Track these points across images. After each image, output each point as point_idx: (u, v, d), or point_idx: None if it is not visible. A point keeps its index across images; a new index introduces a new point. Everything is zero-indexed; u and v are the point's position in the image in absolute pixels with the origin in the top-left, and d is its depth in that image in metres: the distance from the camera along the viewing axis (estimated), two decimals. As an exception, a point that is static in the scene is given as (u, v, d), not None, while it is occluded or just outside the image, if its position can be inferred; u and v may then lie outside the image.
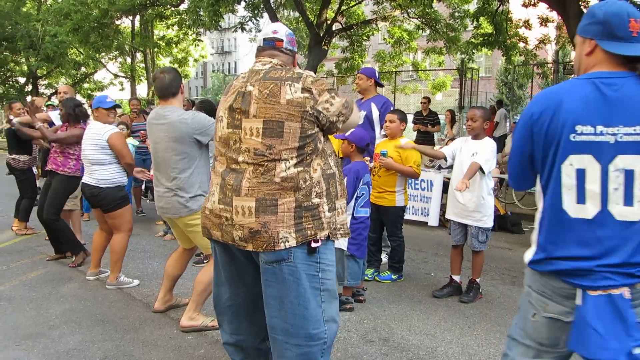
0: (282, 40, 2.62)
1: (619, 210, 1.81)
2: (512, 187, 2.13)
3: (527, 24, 15.18)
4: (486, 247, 4.68)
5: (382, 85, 6.08)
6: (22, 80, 28.55)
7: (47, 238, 6.61)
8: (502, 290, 5.03)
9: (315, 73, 2.74)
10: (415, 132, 11.56)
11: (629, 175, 1.80)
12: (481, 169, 4.45)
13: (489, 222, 4.63)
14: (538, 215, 1.97)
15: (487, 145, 4.58)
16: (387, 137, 5.16)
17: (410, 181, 7.55)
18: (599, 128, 1.80)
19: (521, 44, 16.35)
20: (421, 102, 11.88)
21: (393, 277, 5.19)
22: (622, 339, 1.77)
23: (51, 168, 5.60)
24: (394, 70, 20.19)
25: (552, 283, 1.90)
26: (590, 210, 1.83)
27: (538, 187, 1.97)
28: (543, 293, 1.93)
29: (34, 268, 5.48)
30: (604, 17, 1.87)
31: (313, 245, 2.39)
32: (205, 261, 5.56)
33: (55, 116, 6.51)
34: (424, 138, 11.27)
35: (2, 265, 5.56)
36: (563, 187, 1.85)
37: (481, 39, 15.67)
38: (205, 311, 4.08)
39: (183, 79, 4.14)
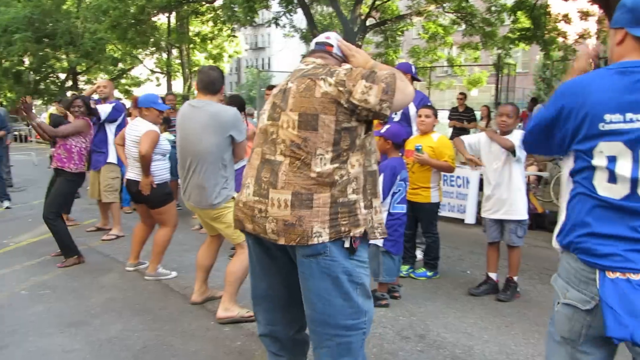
0: (332, 46, 2.68)
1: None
2: (525, 150, 2.14)
3: (566, 18, 14.86)
4: (522, 242, 4.61)
5: (419, 80, 6.03)
6: (62, 76, 29.25)
7: (88, 229, 6.80)
8: (540, 289, 4.95)
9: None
10: (451, 129, 11.45)
11: None
12: (512, 152, 4.40)
13: (524, 214, 4.56)
14: (566, 198, 2.00)
15: (519, 134, 4.51)
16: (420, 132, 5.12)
17: (445, 177, 7.48)
18: (629, 115, 1.82)
19: (560, 39, 15.99)
20: (457, 98, 11.77)
21: (428, 274, 5.16)
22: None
23: (57, 166, 5.58)
24: (428, 65, 20.02)
25: (573, 265, 1.92)
26: (619, 191, 1.86)
27: (566, 172, 2.01)
28: (566, 278, 1.95)
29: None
30: (633, 4, 1.90)
31: (354, 244, 2.39)
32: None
33: (104, 110, 6.62)
34: (460, 134, 11.14)
35: (45, 256, 5.73)
36: (596, 170, 1.88)
37: (519, 33, 15.41)
38: (241, 303, 4.14)
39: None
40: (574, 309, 1.91)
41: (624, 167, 1.83)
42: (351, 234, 2.38)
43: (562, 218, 2.01)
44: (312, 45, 2.76)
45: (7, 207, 8.46)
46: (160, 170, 4.92)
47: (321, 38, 2.74)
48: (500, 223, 4.65)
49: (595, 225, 1.86)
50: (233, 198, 3.90)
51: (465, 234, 7.15)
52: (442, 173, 5.62)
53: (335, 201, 2.37)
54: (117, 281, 4.94)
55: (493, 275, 4.78)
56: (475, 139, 4.80)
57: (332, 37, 2.73)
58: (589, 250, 1.86)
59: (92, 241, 6.28)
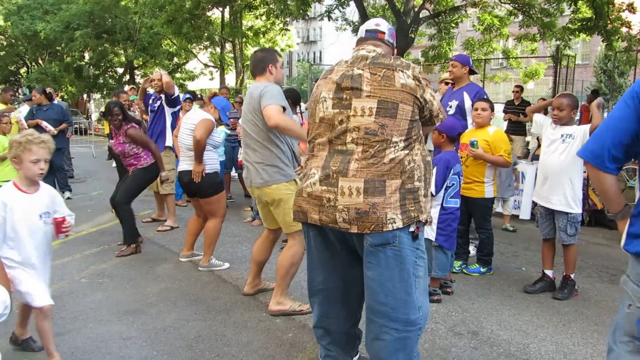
0: (384, 33, 2.71)
1: None
2: (587, 160, 1.94)
3: (631, 7, 14.18)
4: (576, 240, 4.45)
5: (475, 73, 5.90)
6: (120, 70, 30.17)
7: (144, 220, 6.99)
8: (599, 288, 4.77)
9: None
10: (506, 122, 11.16)
11: None
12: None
13: (576, 209, 4.39)
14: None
15: (581, 128, 4.37)
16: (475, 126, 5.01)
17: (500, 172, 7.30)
18: None
19: (624, 29, 15.29)
20: (513, 91, 11.45)
21: (482, 270, 5.05)
22: None
23: (130, 170, 5.78)
24: (483, 58, 19.53)
25: None
26: None
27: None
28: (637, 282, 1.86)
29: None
30: None
31: (415, 230, 2.41)
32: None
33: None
34: (515, 128, 10.88)
35: (104, 245, 5.93)
36: None
37: (579, 24, 14.81)
38: (292, 296, 4.16)
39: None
40: None
41: None
42: (419, 218, 2.41)
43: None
44: (362, 32, 2.75)
45: (68, 198, 8.79)
46: (211, 159, 5.00)
47: (371, 25, 2.74)
48: (552, 220, 4.50)
49: None
50: (295, 181, 3.89)
51: (520, 229, 6.97)
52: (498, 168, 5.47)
53: (404, 188, 2.39)
54: (172, 271, 5.06)
55: (549, 273, 4.64)
56: (544, 121, 4.64)
57: (382, 24, 2.74)
58: None
59: (148, 232, 6.46)
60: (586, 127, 4.33)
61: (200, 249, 5.26)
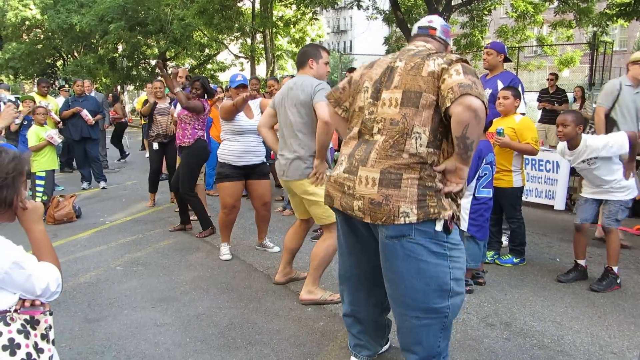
0: (435, 29, 2.69)
1: None
2: None
3: (672, -9, 13.70)
4: (619, 225, 4.36)
5: (510, 61, 5.79)
6: (153, 62, 30.56)
7: (176, 209, 7.08)
8: (636, 279, 4.66)
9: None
10: (541, 111, 10.95)
11: None
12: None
13: (631, 195, 4.39)
14: None
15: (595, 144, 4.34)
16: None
17: (534, 162, 7.18)
18: None
19: None
20: (548, 79, 11.21)
21: (515, 260, 4.98)
22: None
23: (179, 144, 5.94)
24: (517, 45, 19.16)
25: None
26: None
27: None
28: None
29: (165, 237, 5.90)
30: None
31: (449, 226, 2.37)
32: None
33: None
34: (550, 117, 10.64)
35: (139, 234, 6.04)
36: None
37: (617, 9, 14.37)
38: (323, 285, 4.18)
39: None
40: None
41: None
42: (441, 215, 2.35)
43: None
44: (415, 29, 2.75)
45: (103, 188, 8.98)
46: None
47: (424, 22, 2.74)
48: (598, 204, 4.44)
49: None
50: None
51: (554, 220, 6.85)
52: (526, 156, 5.39)
53: (423, 185, 2.35)
54: (204, 260, 5.13)
55: (582, 262, 4.57)
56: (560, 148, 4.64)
57: (435, 21, 2.73)
58: None
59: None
60: (592, 142, 4.32)
61: (241, 238, 5.31)
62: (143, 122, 11.80)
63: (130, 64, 29.41)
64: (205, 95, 5.98)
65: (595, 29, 16.33)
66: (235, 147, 4.92)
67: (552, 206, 7.06)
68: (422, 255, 2.38)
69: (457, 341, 3.42)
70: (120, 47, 28.67)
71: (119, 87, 31.69)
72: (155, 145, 7.08)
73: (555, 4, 16.62)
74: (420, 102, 2.34)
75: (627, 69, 5.51)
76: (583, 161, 4.36)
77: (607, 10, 14.79)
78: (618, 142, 4.26)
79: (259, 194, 5.10)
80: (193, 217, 6.69)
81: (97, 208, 7.43)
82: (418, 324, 2.47)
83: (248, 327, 3.64)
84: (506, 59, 5.32)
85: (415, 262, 2.38)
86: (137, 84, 29.87)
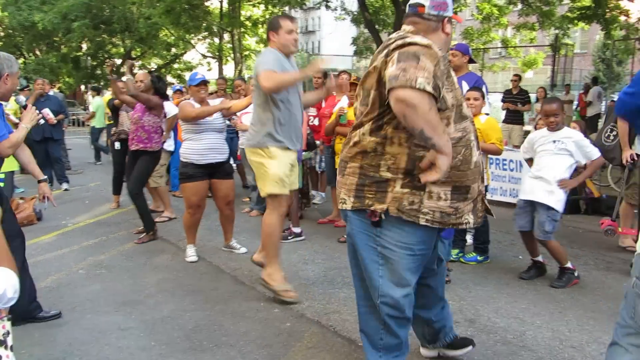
0: (424, 6, 2.47)
1: None
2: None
3: (629, -4, 14.15)
4: (552, 238, 4.44)
5: (474, 62, 5.88)
6: (118, 61, 30.04)
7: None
8: (595, 276, 4.79)
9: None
10: (505, 111, 11.15)
11: None
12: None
13: (558, 206, 4.41)
14: None
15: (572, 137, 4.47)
16: None
17: (497, 161, 7.31)
18: None
19: (622, 17, 15.26)
20: (511, 80, 11.45)
21: (479, 258, 5.06)
22: None
23: (139, 148, 5.77)
24: (482, 47, 19.49)
25: None
26: None
27: None
28: None
29: (129, 239, 5.80)
30: None
31: (372, 218, 2.42)
32: (290, 238, 5.68)
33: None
34: (514, 117, 10.87)
35: (102, 237, 5.94)
36: None
37: (578, 12, 14.79)
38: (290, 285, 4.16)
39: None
40: None
41: None
42: (372, 207, 2.40)
43: None
44: (407, 8, 2.57)
45: (66, 189, 8.80)
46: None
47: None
48: (531, 213, 4.54)
49: None
50: (285, 149, 3.99)
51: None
52: (490, 156, 5.48)
53: (364, 174, 2.42)
54: (170, 262, 5.07)
55: (538, 258, 4.70)
56: (532, 140, 4.73)
57: None
58: None
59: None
60: (578, 138, 4.44)
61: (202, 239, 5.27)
62: (108, 122, 11.60)
63: (95, 63, 28.85)
64: (158, 92, 5.93)
65: (557, 31, 16.76)
66: (197, 145, 4.90)
67: (515, 204, 7.19)
68: (358, 244, 2.54)
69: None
70: (84, 46, 28.10)
71: (82, 87, 31.09)
72: (117, 145, 6.94)
73: (519, 6, 16.96)
74: (370, 98, 2.39)
75: None
76: (554, 141, 4.45)
77: (569, 14, 15.19)
78: (593, 151, 4.44)
79: (223, 193, 5.08)
80: (161, 218, 6.62)
81: (59, 210, 7.25)
82: (363, 310, 2.69)
83: (214, 330, 3.61)
84: (471, 60, 5.39)
85: (355, 249, 2.58)
86: (102, 84, 29.31)
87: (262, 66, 3.85)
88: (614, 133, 5.50)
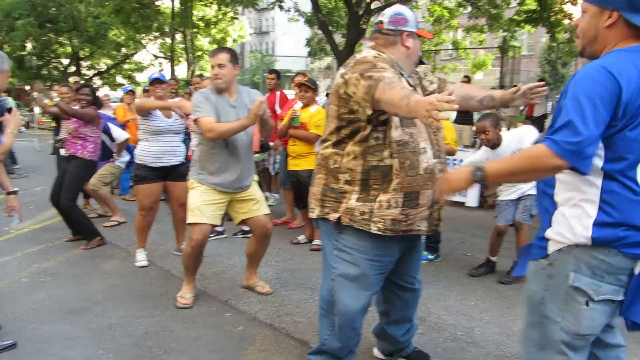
0: (383, 22, 2.63)
1: None
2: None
3: (572, 0, 14.65)
4: (532, 221, 4.58)
5: (424, 64, 5.96)
6: (65, 61, 29.19)
7: (90, 216, 6.80)
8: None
9: (353, 52, 2.82)
10: (455, 112, 11.36)
11: None
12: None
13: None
14: (593, 193, 1.81)
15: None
16: None
17: (449, 161, 7.43)
18: None
19: (566, 21, 15.79)
20: (461, 81, 11.66)
21: (430, 257, 5.14)
22: None
23: (70, 152, 5.58)
24: (433, 49, 19.84)
25: (607, 258, 1.79)
26: None
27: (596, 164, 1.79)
28: (594, 274, 1.81)
29: (76, 245, 5.61)
30: None
31: (330, 221, 2.58)
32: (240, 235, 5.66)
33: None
34: (464, 118, 11.09)
35: (47, 243, 5.74)
36: None
37: (525, 15, 15.21)
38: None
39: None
40: (609, 303, 1.84)
41: None
42: (327, 216, 2.57)
43: (589, 212, 1.83)
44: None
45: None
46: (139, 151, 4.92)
47: (378, 17, 2.72)
48: (515, 206, 4.64)
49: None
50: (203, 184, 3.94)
51: (467, 217, 7.13)
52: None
53: (327, 185, 2.59)
54: (119, 267, 4.95)
55: (493, 258, 4.80)
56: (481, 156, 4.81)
57: (387, 12, 2.65)
58: (636, 243, 1.78)
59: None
60: (511, 138, 4.57)
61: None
62: (53, 124, 11.23)
63: (41, 63, 27.90)
64: (94, 103, 5.69)
65: (505, 34, 17.19)
66: (153, 147, 4.79)
67: (464, 203, 7.36)
68: (324, 249, 2.75)
69: (374, 338, 3.48)
70: (29, 45, 27.15)
71: (27, 87, 30.03)
72: (63, 151, 6.72)
73: (469, 9, 17.33)
74: (330, 114, 2.59)
75: None
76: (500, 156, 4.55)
77: (516, 17, 15.60)
78: (528, 135, 4.51)
79: (177, 195, 4.99)
80: (110, 222, 6.46)
81: (3, 216, 6.98)
82: (319, 310, 2.81)
83: (164, 336, 3.54)
84: (420, 62, 5.46)
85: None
86: (48, 85, 28.39)
87: (195, 114, 3.78)
88: None
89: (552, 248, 1.89)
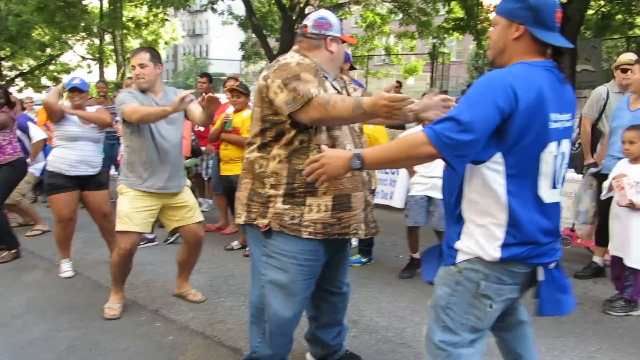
0: (307, 26, 2.64)
1: (558, 192, 1.94)
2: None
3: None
4: None
5: (355, 69, 6.07)
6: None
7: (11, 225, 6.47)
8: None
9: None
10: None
11: (564, 158, 1.92)
12: None
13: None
14: (501, 217, 1.87)
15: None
16: None
17: (381, 165, 7.55)
18: (557, 115, 1.85)
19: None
20: (394, 86, 11.90)
21: (363, 260, 5.21)
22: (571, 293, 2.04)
23: None
24: (366, 54, 20.17)
25: (512, 268, 1.91)
26: (556, 193, 1.92)
27: (494, 177, 1.85)
28: (499, 281, 1.93)
29: (-4, 256, 5.34)
30: (536, 3, 1.85)
31: (261, 228, 2.53)
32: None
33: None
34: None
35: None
36: (541, 174, 1.85)
37: (453, 23, 15.76)
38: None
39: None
40: (508, 300, 2.01)
41: (552, 167, 1.89)
42: (255, 222, 2.53)
43: (497, 235, 1.89)
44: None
45: None
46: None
47: (304, 21, 2.72)
48: (427, 207, 4.71)
49: (542, 229, 1.90)
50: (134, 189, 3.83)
51: (398, 219, 7.23)
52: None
53: (253, 189, 2.55)
54: (42, 279, 4.74)
55: (416, 255, 4.92)
56: None
57: (311, 17, 2.67)
58: (540, 254, 1.91)
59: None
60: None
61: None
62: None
63: (-44, 64, 26.35)
64: (8, 104, 5.39)
65: (434, 40, 17.74)
66: (68, 154, 4.57)
67: (389, 206, 7.47)
68: (252, 255, 2.71)
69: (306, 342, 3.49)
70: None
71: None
72: None
73: (400, 16, 17.77)
74: (254, 116, 2.58)
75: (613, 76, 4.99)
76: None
77: (444, 24, 16.12)
78: None
79: (96, 206, 4.78)
80: (33, 232, 6.18)
81: None
82: (250, 317, 2.81)
83: (90, 349, 3.40)
84: (352, 67, 5.55)
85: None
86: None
87: (120, 106, 3.68)
88: (579, 141, 5.51)
89: (461, 257, 1.98)
